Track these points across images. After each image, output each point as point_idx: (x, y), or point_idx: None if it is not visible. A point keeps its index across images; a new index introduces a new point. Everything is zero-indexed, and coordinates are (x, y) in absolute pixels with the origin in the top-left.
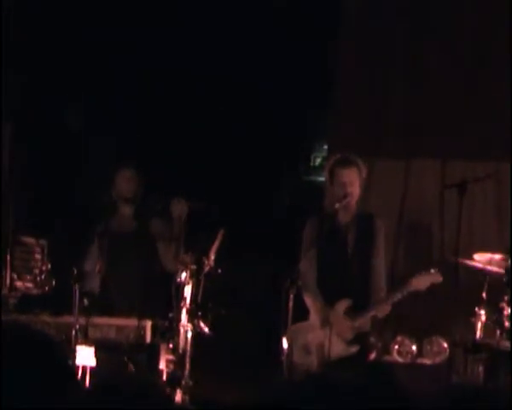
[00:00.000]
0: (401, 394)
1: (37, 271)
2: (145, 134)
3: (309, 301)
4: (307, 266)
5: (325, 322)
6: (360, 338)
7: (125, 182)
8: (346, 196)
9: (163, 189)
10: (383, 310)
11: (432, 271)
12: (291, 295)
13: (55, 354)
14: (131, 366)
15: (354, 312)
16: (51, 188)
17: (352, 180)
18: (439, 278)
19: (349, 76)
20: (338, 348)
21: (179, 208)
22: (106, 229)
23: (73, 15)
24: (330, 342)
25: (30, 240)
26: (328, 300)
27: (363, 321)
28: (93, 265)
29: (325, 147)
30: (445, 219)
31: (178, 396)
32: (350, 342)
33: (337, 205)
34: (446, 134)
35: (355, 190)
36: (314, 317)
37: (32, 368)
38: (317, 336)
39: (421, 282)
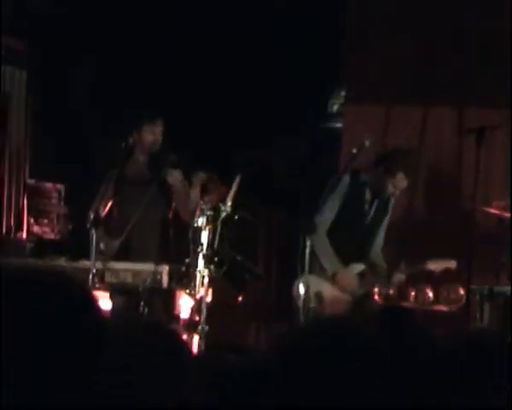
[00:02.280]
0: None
1: (53, 215)
2: (165, 83)
3: (320, 252)
4: (324, 219)
5: (334, 276)
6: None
7: (150, 132)
8: (393, 194)
9: (178, 139)
10: (398, 278)
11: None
12: (308, 242)
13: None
14: (147, 311)
15: (365, 277)
16: (69, 133)
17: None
18: (453, 265)
19: (365, 21)
20: (349, 298)
21: (199, 179)
22: (121, 175)
23: None
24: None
25: (47, 185)
26: (340, 257)
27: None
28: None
29: (342, 93)
30: (462, 166)
31: (194, 341)
32: (363, 295)
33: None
34: (463, 81)
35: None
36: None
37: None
38: (329, 286)
39: (437, 265)
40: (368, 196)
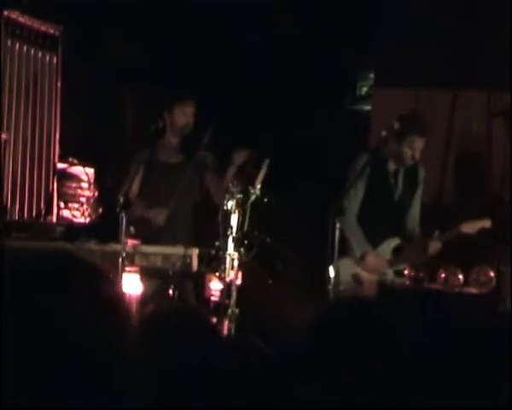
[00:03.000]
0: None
1: (83, 199)
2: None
3: (349, 235)
4: (351, 202)
5: (363, 257)
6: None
7: (182, 114)
8: (413, 158)
9: (211, 121)
10: (434, 247)
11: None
12: (337, 226)
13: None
14: (177, 295)
15: (401, 251)
16: (98, 116)
17: (422, 148)
18: (487, 223)
19: (396, 5)
20: (386, 279)
21: (241, 157)
22: (152, 157)
23: None
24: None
25: (77, 168)
26: (370, 238)
27: (412, 258)
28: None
29: (371, 76)
30: (492, 149)
31: (224, 325)
32: (398, 274)
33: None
34: (490, 65)
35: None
36: (354, 251)
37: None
38: (365, 267)
39: (471, 227)
40: (391, 168)
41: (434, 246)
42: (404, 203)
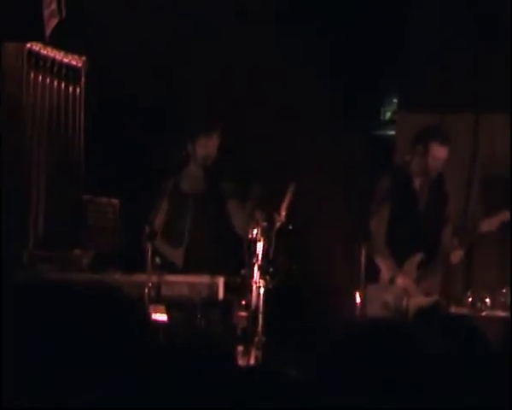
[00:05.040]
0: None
1: (109, 230)
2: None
3: (378, 259)
4: (377, 225)
5: (393, 280)
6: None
7: (204, 146)
8: (437, 168)
9: (233, 152)
10: (456, 256)
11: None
12: (362, 251)
13: (137, 313)
14: (204, 323)
15: (427, 265)
16: (123, 147)
17: (445, 156)
18: (507, 216)
19: (422, 31)
20: (417, 301)
21: (257, 193)
22: (176, 188)
23: None
24: (409, 296)
25: (102, 199)
26: (399, 257)
27: (436, 271)
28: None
29: (395, 101)
30: None
31: (252, 353)
32: (427, 294)
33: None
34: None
35: (443, 164)
36: (384, 275)
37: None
38: (395, 293)
39: (490, 223)
40: (416, 184)
41: (457, 254)
42: (430, 216)
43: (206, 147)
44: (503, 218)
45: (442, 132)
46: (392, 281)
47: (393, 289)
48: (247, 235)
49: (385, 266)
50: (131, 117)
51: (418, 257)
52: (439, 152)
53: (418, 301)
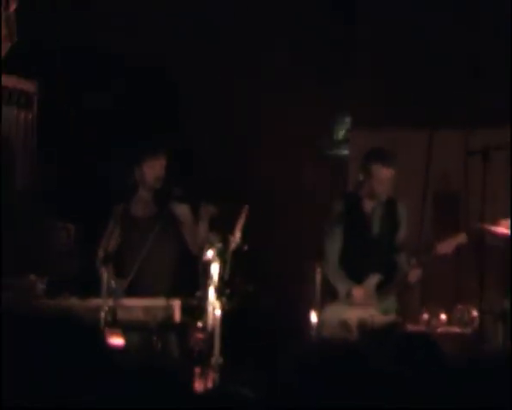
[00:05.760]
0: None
1: (64, 255)
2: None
3: (332, 279)
4: (331, 246)
5: (349, 294)
6: (391, 308)
7: (151, 168)
8: (384, 192)
9: (181, 173)
10: (414, 275)
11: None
12: (318, 270)
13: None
14: (160, 347)
15: (384, 285)
16: (77, 172)
17: (390, 178)
18: (464, 239)
19: (370, 47)
20: (375, 320)
21: (207, 213)
22: (127, 212)
23: None
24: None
25: (57, 224)
26: (355, 279)
27: (394, 291)
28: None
29: (347, 120)
30: (469, 188)
31: (209, 375)
32: (385, 312)
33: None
34: (466, 104)
35: (390, 186)
36: (340, 292)
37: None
38: (355, 312)
39: (448, 245)
40: (366, 207)
41: (414, 274)
42: (383, 240)
43: (154, 168)
44: (459, 240)
45: (385, 154)
46: (348, 295)
47: (352, 304)
48: (202, 257)
49: (339, 284)
50: (82, 143)
51: (375, 278)
52: (382, 174)
53: (376, 319)
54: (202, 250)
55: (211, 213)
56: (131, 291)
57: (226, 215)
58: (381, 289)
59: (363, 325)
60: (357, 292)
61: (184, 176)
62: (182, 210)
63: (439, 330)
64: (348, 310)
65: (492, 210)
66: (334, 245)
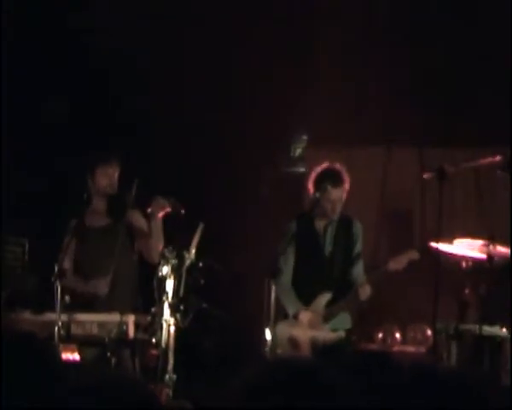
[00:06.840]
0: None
1: (18, 269)
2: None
3: (282, 297)
4: (284, 265)
5: (296, 316)
6: (344, 327)
7: (104, 175)
8: (334, 211)
9: (135, 181)
10: (364, 292)
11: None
12: (272, 287)
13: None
14: (114, 362)
15: (335, 303)
16: (30, 185)
17: (341, 198)
18: (415, 256)
19: (323, 64)
20: (323, 337)
21: (159, 207)
22: (82, 224)
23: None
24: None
25: (11, 239)
26: (306, 297)
27: (345, 308)
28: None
29: (304, 137)
30: (425, 206)
31: (162, 391)
32: (336, 330)
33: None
34: (423, 122)
35: (341, 205)
36: (288, 312)
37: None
38: (302, 329)
39: (399, 262)
40: (318, 226)
41: (364, 291)
42: (336, 258)
43: (107, 175)
44: (410, 257)
45: (334, 175)
46: (295, 317)
47: (301, 326)
48: (157, 272)
49: (288, 306)
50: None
51: (326, 296)
52: (331, 194)
53: (325, 337)
54: (159, 256)
55: (162, 207)
56: (89, 305)
57: (181, 232)
58: (332, 305)
59: (314, 343)
60: (304, 316)
61: (136, 180)
62: (135, 217)
63: (394, 348)
64: (299, 328)
65: (450, 227)
66: (286, 265)
